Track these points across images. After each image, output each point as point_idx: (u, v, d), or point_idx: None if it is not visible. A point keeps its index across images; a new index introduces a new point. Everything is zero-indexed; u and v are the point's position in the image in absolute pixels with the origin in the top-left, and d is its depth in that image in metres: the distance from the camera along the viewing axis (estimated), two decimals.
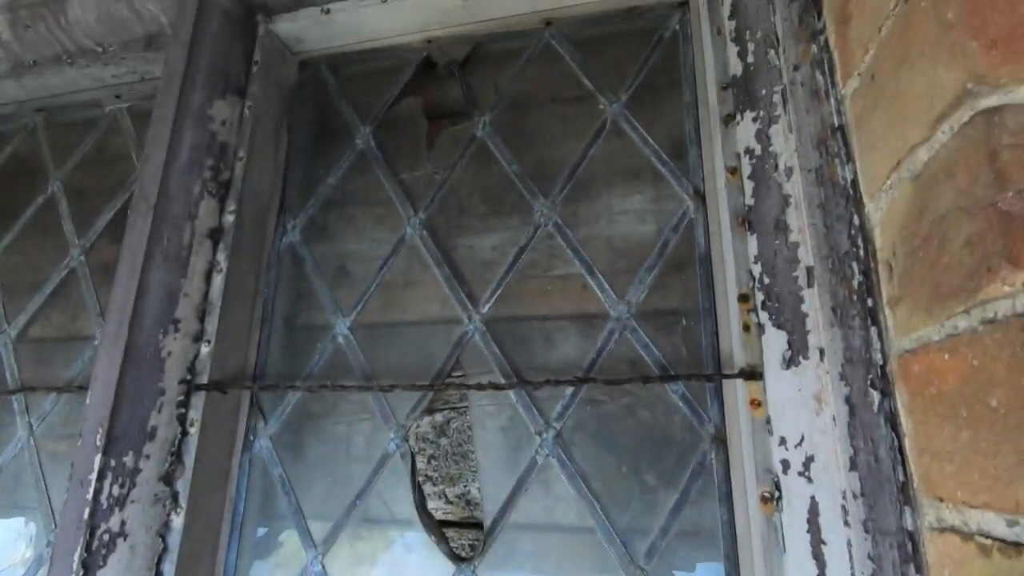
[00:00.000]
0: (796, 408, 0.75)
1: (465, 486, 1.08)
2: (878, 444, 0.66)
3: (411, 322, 1.16)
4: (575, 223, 1.12)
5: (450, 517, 1.08)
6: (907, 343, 0.63)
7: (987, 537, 0.49)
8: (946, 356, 0.54)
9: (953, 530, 0.55)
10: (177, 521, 0.98)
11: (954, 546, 0.54)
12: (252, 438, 1.12)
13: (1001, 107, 0.47)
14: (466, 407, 1.11)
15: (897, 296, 0.65)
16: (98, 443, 0.93)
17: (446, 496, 1.09)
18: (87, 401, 0.97)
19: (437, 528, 1.03)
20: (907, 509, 0.64)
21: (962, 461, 0.52)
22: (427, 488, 1.09)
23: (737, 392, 0.86)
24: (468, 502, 1.07)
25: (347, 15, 1.25)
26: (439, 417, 1.13)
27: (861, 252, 0.72)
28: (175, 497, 0.99)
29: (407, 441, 1.08)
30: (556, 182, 1.14)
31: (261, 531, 1.11)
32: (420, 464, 1.10)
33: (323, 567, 1.04)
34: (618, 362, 1.02)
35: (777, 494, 0.75)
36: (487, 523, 1.00)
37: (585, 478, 0.98)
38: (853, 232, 0.73)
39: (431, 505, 1.08)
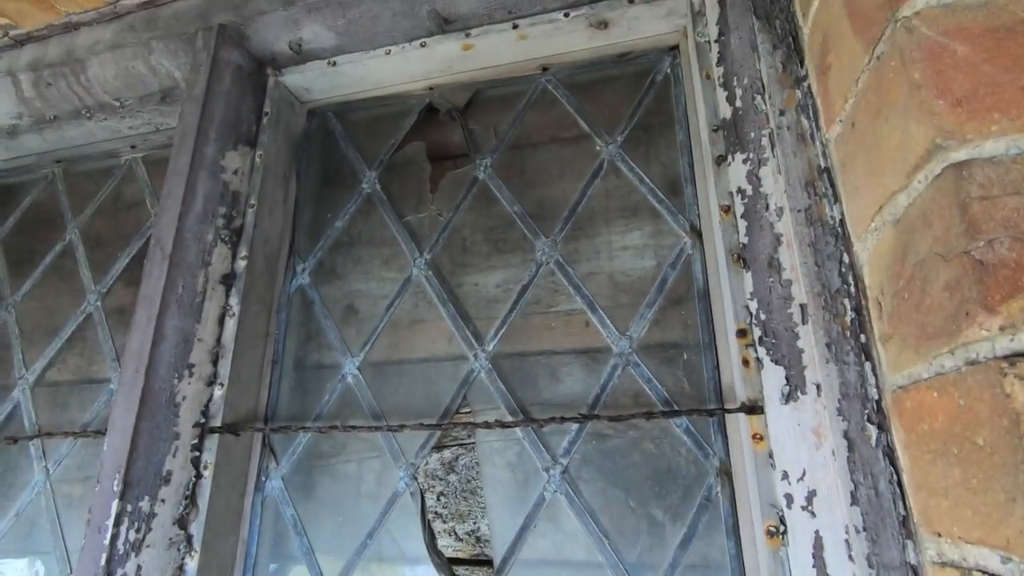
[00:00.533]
0: (797, 443, 0.76)
1: (475, 523, 1.09)
2: (877, 478, 0.68)
3: (418, 360, 1.19)
4: (576, 260, 1.15)
5: (460, 555, 1.08)
6: (899, 379, 0.65)
7: (984, 573, 0.50)
8: (935, 394, 0.56)
9: (953, 565, 0.56)
10: (191, 564, 1.00)
11: None
12: (264, 479, 1.14)
13: (969, 161, 0.50)
14: (474, 443, 1.12)
15: (888, 333, 0.67)
16: (115, 489, 0.95)
17: (456, 533, 1.10)
18: (104, 448, 0.99)
19: (448, 568, 1.04)
20: (909, 543, 0.65)
21: (955, 498, 0.54)
22: (437, 525, 1.10)
23: (740, 425, 0.88)
24: (478, 539, 1.08)
25: (353, 66, 1.31)
26: (448, 454, 1.15)
27: (852, 289, 0.75)
28: (189, 540, 1.01)
29: (416, 479, 1.10)
30: (557, 221, 1.18)
31: (273, 572, 1.12)
32: (430, 501, 1.12)
33: None
34: (622, 396, 1.04)
35: (782, 528, 0.76)
36: (497, 561, 1.01)
37: (593, 513, 0.99)
38: (843, 270, 0.76)
39: (441, 543, 1.08)
